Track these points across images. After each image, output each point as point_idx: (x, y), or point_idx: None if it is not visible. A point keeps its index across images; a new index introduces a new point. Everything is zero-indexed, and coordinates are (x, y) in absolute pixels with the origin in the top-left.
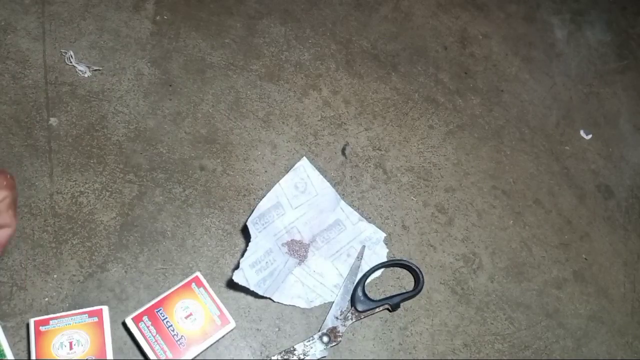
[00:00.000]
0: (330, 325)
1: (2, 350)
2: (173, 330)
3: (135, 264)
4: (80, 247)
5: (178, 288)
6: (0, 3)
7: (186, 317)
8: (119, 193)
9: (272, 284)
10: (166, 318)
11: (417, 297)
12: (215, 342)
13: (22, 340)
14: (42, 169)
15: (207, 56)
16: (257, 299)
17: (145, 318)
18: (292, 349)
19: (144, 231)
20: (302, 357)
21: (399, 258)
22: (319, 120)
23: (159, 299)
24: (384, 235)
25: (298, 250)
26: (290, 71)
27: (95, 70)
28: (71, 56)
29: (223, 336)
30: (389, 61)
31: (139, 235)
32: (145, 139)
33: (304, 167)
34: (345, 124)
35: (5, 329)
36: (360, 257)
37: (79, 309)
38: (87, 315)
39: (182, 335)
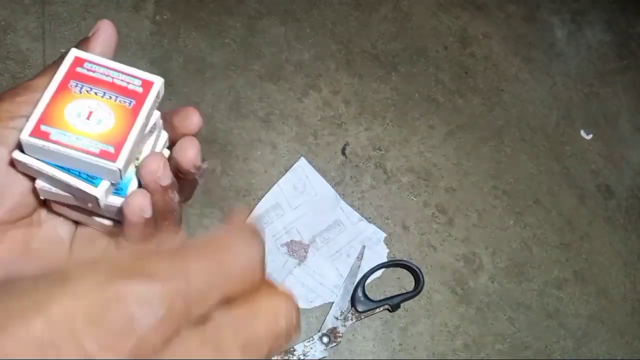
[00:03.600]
0: (330, 326)
1: None
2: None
3: None
4: None
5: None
6: (0, 3)
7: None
8: None
9: None
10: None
11: (417, 297)
12: (151, 110)
13: None
14: None
15: (207, 56)
16: None
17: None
18: (292, 349)
19: None
20: (302, 357)
21: (399, 258)
22: (319, 120)
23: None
24: (384, 235)
25: (298, 250)
26: (290, 71)
27: None
28: None
29: (155, 100)
30: (389, 61)
31: None
32: None
33: (302, 168)
34: (345, 124)
35: None
36: (360, 257)
37: None
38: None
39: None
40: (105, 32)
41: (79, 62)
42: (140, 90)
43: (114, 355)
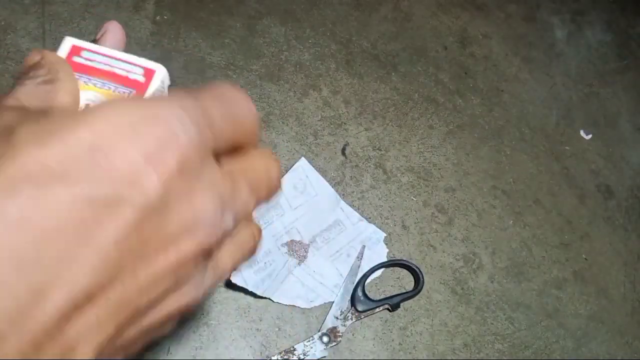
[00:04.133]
0: (330, 325)
1: None
2: None
3: None
4: None
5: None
6: (0, 3)
7: None
8: None
9: (272, 284)
10: None
11: (417, 297)
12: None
13: None
14: None
15: (207, 56)
16: (257, 299)
17: None
18: (292, 349)
19: None
20: (302, 357)
21: (399, 258)
22: (319, 120)
23: None
24: (384, 235)
25: (298, 250)
26: (290, 71)
27: None
28: None
29: (158, 89)
30: (389, 61)
31: None
32: None
33: (303, 168)
34: (345, 124)
35: None
36: (360, 257)
37: None
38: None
39: None
40: (113, 33)
41: (75, 51)
42: (142, 79)
43: (158, 169)
